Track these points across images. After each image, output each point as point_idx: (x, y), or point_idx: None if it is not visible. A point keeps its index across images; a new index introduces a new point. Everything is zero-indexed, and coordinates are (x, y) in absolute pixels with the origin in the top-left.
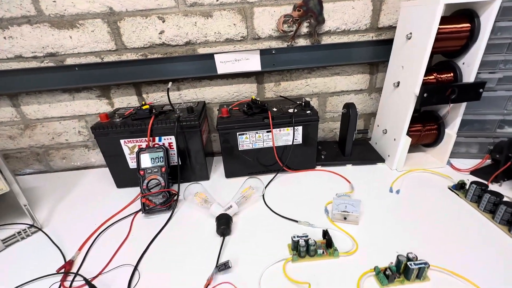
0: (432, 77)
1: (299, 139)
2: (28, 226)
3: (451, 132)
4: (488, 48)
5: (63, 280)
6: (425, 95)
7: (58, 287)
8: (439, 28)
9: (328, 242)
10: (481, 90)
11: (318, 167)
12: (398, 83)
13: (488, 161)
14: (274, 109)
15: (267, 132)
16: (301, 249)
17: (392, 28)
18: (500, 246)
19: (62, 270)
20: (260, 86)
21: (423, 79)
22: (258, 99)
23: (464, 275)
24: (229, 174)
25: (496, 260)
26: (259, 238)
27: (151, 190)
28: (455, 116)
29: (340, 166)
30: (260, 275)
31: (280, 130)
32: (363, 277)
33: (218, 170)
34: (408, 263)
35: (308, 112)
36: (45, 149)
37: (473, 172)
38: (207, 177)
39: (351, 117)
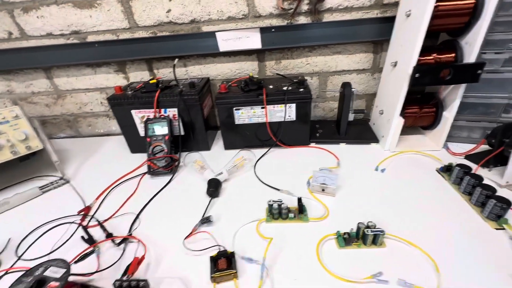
0: (431, 57)
1: (292, 116)
2: (58, 178)
3: (448, 115)
4: (495, 26)
5: (82, 220)
6: (416, 75)
7: (78, 224)
8: (439, 5)
9: (300, 208)
10: (479, 71)
11: (312, 144)
12: (396, 63)
13: (487, 147)
14: (270, 87)
15: (262, 108)
16: (274, 211)
17: (398, 4)
18: (468, 226)
19: (82, 213)
20: (261, 64)
21: (420, 59)
22: (255, 76)
23: (420, 245)
24: (227, 146)
25: (459, 237)
26: (242, 202)
27: (155, 155)
28: (453, 98)
29: (334, 144)
30: (236, 230)
31: (274, 107)
32: (325, 239)
33: (219, 142)
34: (365, 230)
35: (301, 90)
36: (74, 117)
37: (468, 156)
38: (208, 148)
39: (346, 96)
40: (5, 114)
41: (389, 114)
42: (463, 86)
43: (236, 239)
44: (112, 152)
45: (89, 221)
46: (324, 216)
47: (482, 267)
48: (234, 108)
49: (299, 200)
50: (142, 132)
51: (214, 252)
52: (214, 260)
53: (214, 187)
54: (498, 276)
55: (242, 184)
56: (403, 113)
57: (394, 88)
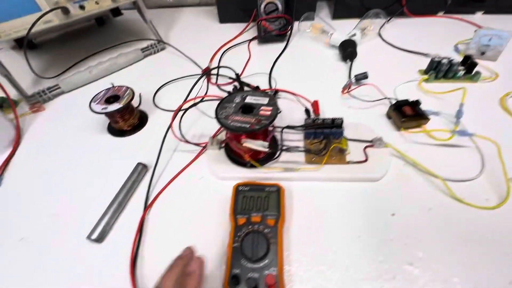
0: None
1: None
2: (156, 41)
3: None
4: None
5: (208, 78)
6: None
7: (206, 81)
8: None
9: (469, 66)
10: None
11: (440, 14)
12: None
13: None
14: None
15: None
16: (443, 68)
17: None
18: None
19: (205, 72)
20: None
21: None
22: None
23: None
24: (338, 13)
25: None
26: (386, 67)
27: (268, 14)
28: None
29: (468, 14)
30: (394, 87)
31: None
32: (508, 96)
33: (321, 13)
34: None
35: None
36: None
37: None
38: (312, 18)
39: None
40: None
41: None
42: None
43: (398, 97)
44: (196, 22)
45: (217, 78)
46: (494, 77)
47: None
48: None
49: (468, 58)
50: None
51: (379, 106)
52: (397, 107)
53: (352, 47)
54: None
55: (374, 51)
56: None
57: None
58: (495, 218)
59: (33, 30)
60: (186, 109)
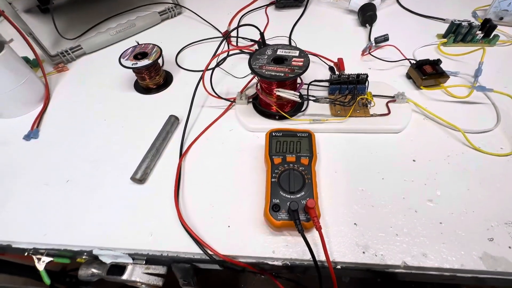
0: None
1: None
2: (173, 4)
3: None
4: None
5: (228, 41)
6: None
7: (226, 43)
8: None
9: (488, 30)
10: None
11: None
12: None
13: None
14: None
15: None
16: (462, 30)
17: None
18: None
19: (225, 35)
20: None
21: None
22: None
23: None
24: None
25: None
26: (405, 30)
27: None
28: None
29: None
30: (413, 50)
31: None
32: None
33: None
34: None
35: None
36: None
37: None
38: None
39: None
40: None
41: None
42: None
43: (417, 59)
44: None
45: (237, 40)
46: (511, 41)
47: None
48: None
49: (487, 21)
50: None
51: (399, 67)
52: (418, 66)
53: (372, 11)
54: None
55: (392, 17)
56: None
57: None
58: (509, 164)
59: None
60: (213, 68)
